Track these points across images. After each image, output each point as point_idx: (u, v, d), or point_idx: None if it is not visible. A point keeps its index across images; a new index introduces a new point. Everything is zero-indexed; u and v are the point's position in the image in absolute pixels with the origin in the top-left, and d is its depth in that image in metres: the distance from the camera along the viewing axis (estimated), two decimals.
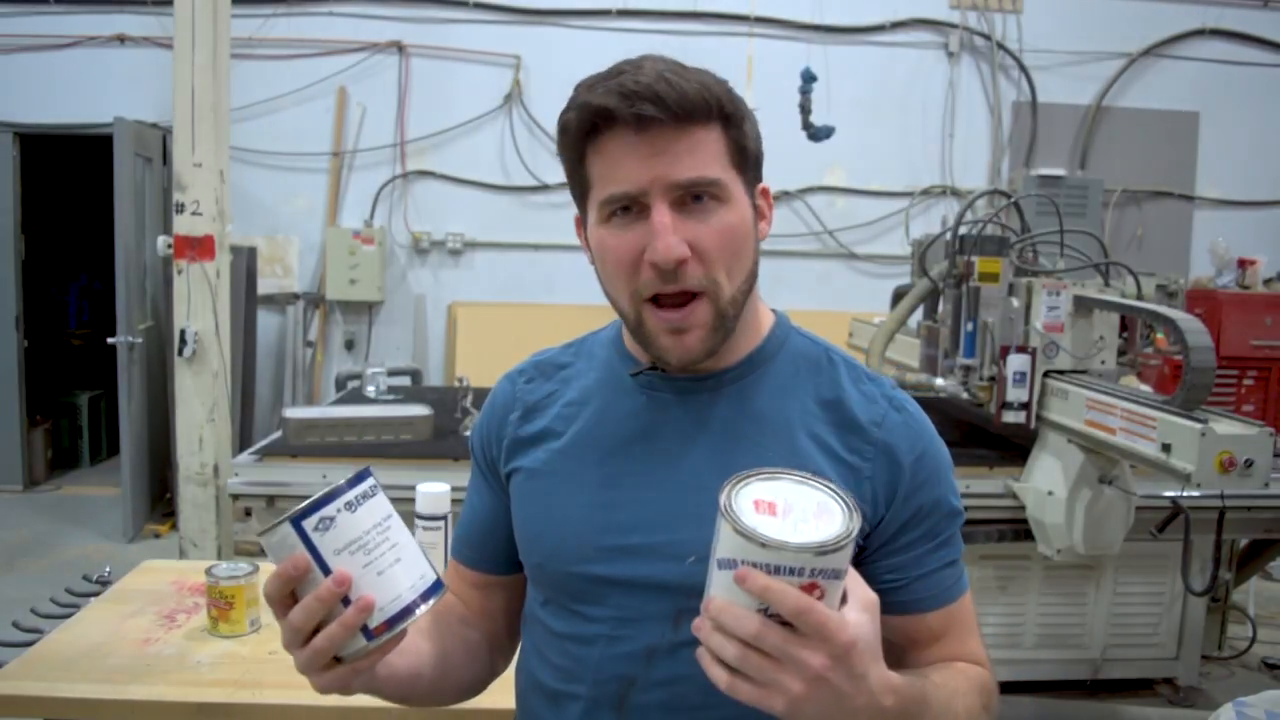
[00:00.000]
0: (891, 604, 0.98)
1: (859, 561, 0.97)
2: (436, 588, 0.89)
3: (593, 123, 0.91)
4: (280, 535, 0.85)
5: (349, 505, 0.86)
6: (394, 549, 0.87)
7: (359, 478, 0.88)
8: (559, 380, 1.09)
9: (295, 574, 0.84)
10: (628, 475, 1.00)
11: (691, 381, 1.01)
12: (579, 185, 0.98)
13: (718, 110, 0.92)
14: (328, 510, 0.85)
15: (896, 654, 1.02)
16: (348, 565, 0.85)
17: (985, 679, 1.00)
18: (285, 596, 0.85)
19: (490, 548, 1.12)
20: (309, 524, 0.85)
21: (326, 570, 0.85)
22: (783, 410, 1.00)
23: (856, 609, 0.76)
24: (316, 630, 0.85)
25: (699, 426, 1.00)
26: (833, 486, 0.80)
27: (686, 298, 0.93)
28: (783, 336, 1.05)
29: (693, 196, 0.92)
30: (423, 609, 0.87)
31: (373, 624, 0.85)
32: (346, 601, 0.84)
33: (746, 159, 0.96)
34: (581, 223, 1.01)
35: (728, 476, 0.83)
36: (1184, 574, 3.04)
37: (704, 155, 0.92)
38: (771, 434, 0.99)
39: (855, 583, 0.78)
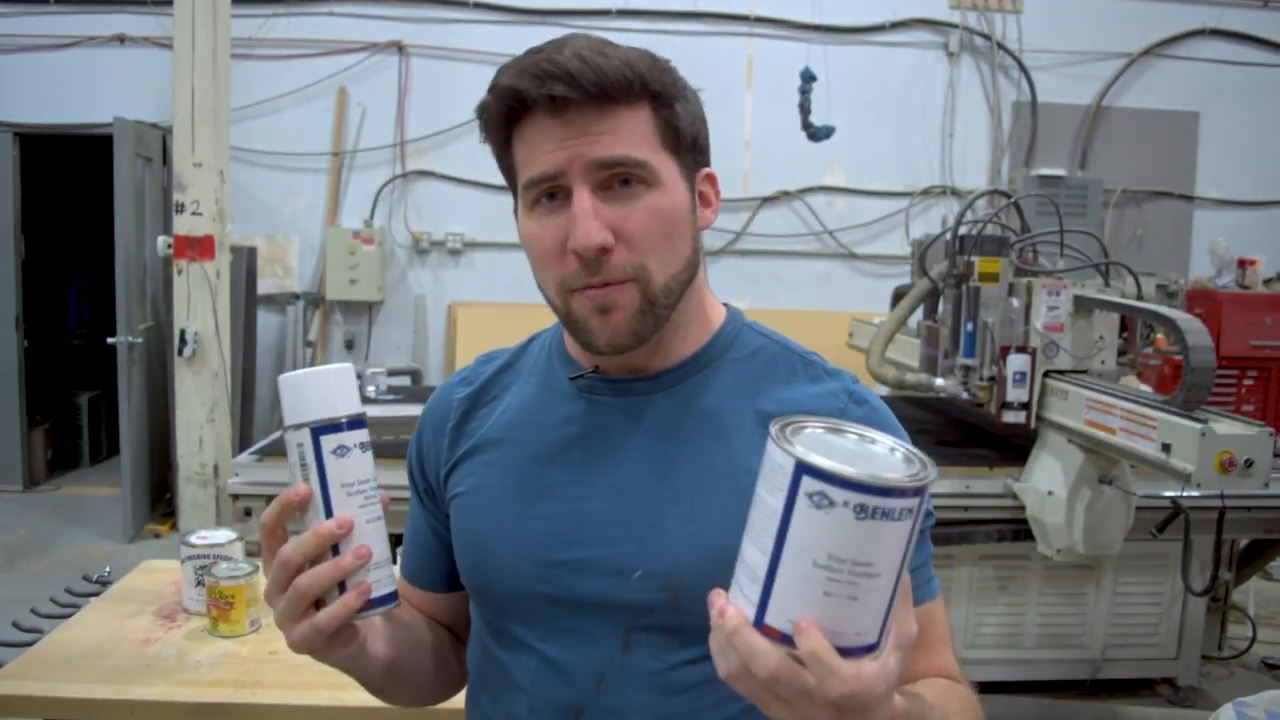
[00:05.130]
0: None
1: None
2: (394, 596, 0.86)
3: (509, 107, 0.87)
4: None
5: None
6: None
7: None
8: (499, 386, 1.02)
9: (298, 502, 0.82)
10: (566, 485, 0.93)
11: (632, 383, 0.95)
12: (508, 173, 0.93)
13: (642, 88, 0.86)
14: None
15: None
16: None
17: (973, 701, 0.94)
18: (279, 525, 0.83)
19: (435, 568, 1.07)
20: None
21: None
22: (731, 410, 0.93)
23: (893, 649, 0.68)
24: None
25: (639, 430, 0.93)
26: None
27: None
28: (733, 333, 0.98)
29: (619, 181, 0.86)
30: (388, 606, 0.85)
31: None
32: (335, 551, 0.82)
33: (680, 141, 0.90)
34: (517, 213, 0.95)
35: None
36: (1184, 574, 3.04)
37: (628, 136, 0.86)
38: (717, 435, 0.92)
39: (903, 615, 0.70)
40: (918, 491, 0.62)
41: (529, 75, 0.85)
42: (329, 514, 0.82)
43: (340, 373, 0.85)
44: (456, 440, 1.01)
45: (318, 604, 0.83)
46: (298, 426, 0.83)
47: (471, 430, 1.01)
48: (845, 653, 0.64)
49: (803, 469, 0.62)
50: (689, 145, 0.91)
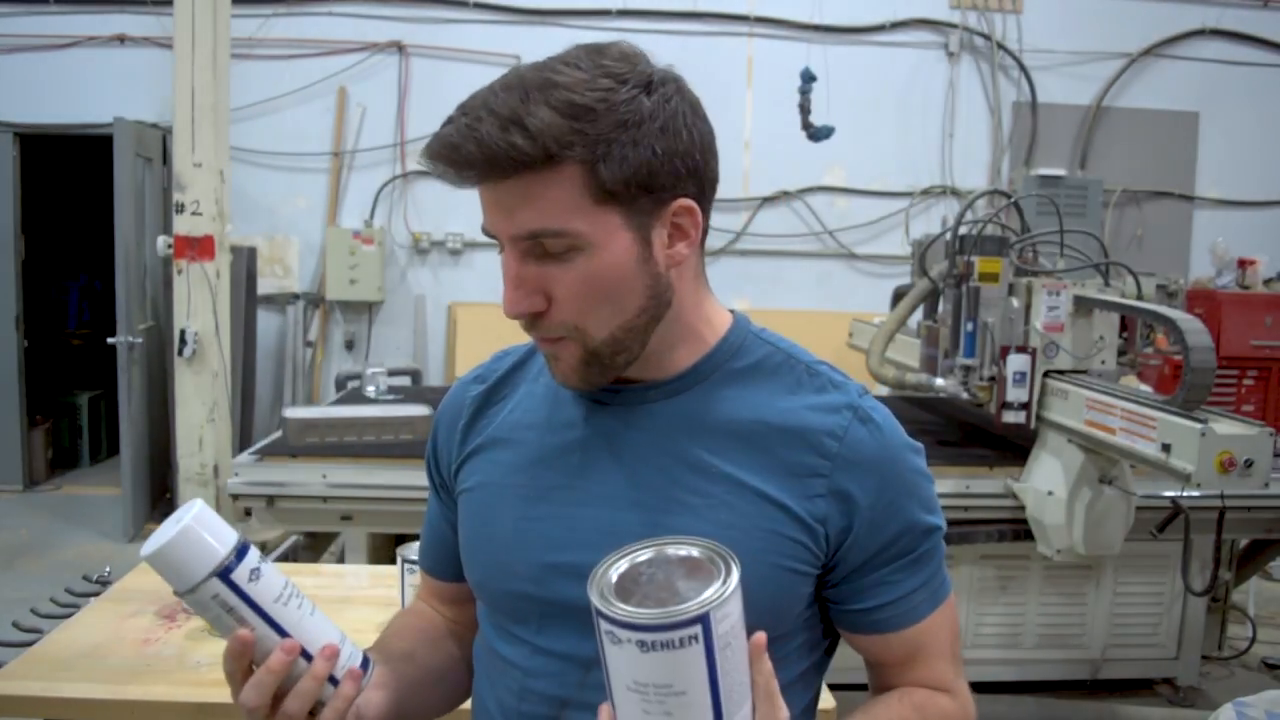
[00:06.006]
0: (856, 623, 0.95)
1: (821, 581, 0.94)
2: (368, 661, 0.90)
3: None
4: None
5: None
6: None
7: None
8: (510, 384, 1.04)
9: (247, 649, 0.84)
10: (560, 489, 0.94)
11: (631, 392, 0.94)
12: None
13: (549, 154, 0.81)
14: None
15: (868, 668, 1.01)
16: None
17: (948, 712, 0.96)
18: (245, 674, 0.85)
19: (450, 559, 1.08)
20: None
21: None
22: (728, 423, 0.92)
23: None
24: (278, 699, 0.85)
25: (636, 439, 0.93)
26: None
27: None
28: (737, 342, 0.96)
29: (543, 248, 0.85)
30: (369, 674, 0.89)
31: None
32: (306, 656, 0.84)
33: (621, 192, 0.84)
34: None
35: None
36: (1184, 574, 3.04)
37: (547, 204, 0.83)
38: (711, 449, 0.92)
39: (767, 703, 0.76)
40: (694, 621, 0.70)
41: (429, 154, 0.84)
42: (281, 633, 0.84)
43: (198, 517, 0.83)
44: (467, 437, 1.03)
45: (312, 710, 0.86)
46: (199, 584, 0.82)
47: (481, 428, 1.03)
48: None
49: (596, 612, 0.72)
50: (637, 190, 0.84)
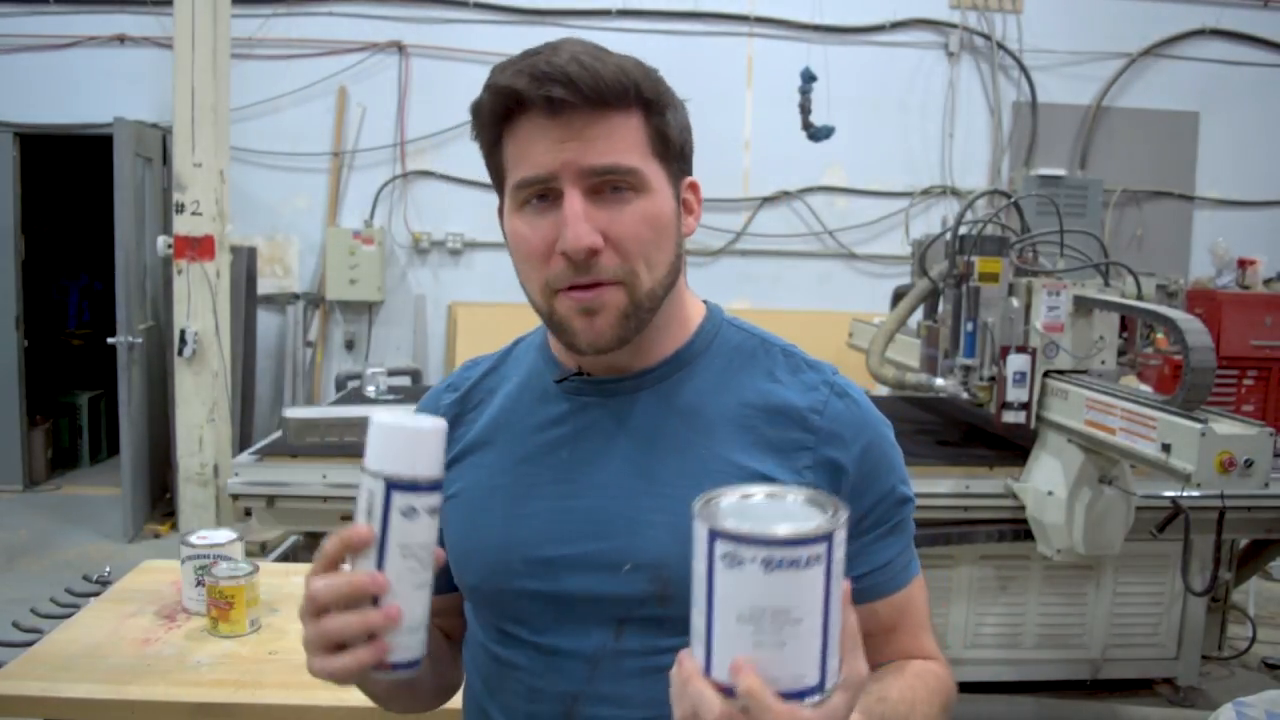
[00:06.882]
0: None
1: None
2: (417, 662, 0.84)
3: (505, 106, 0.88)
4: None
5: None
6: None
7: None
8: (485, 390, 1.05)
9: (358, 544, 0.80)
10: (552, 484, 0.96)
11: (614, 383, 0.97)
12: (496, 172, 0.95)
13: (636, 95, 0.88)
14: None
15: None
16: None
17: (943, 678, 0.97)
18: (337, 558, 0.81)
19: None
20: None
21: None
22: (712, 406, 0.95)
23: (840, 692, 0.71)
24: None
25: (622, 430, 0.95)
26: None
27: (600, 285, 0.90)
28: (713, 330, 1.00)
29: (610, 186, 0.89)
30: (411, 671, 0.84)
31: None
32: (375, 602, 0.81)
33: (669, 149, 0.92)
34: (502, 212, 0.97)
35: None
36: (1184, 574, 3.04)
37: (620, 142, 0.88)
38: (699, 432, 0.94)
39: (852, 655, 0.73)
40: (821, 539, 0.68)
41: (527, 75, 0.86)
42: (380, 567, 0.81)
43: (434, 433, 0.82)
44: (446, 445, 1.02)
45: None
46: (375, 475, 0.81)
47: (460, 435, 1.03)
48: (787, 697, 0.68)
49: (714, 534, 0.68)
50: (677, 153, 0.93)
